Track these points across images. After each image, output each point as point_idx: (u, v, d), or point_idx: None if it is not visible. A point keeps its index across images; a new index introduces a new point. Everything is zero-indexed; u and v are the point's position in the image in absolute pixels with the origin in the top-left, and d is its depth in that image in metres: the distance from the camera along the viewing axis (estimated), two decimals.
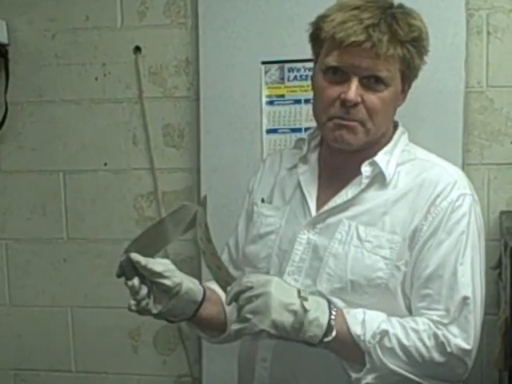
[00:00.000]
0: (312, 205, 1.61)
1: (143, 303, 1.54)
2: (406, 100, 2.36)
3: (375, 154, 1.57)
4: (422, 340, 1.46)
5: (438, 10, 2.28)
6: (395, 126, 1.65)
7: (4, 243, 2.73)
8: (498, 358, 1.99)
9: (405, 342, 1.46)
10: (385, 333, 1.45)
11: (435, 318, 1.48)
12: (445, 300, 1.49)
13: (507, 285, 1.99)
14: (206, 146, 2.47)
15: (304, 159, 1.67)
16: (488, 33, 2.32)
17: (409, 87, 1.60)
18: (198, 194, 2.52)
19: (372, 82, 1.49)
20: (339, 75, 1.50)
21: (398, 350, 1.46)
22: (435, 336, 1.46)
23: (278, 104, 2.42)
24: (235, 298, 1.44)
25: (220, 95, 2.44)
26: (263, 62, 2.41)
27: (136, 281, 1.52)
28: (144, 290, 1.53)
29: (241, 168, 2.38)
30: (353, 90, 1.47)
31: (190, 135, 2.55)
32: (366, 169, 1.56)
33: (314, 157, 1.67)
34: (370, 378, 1.46)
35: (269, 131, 2.43)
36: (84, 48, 2.58)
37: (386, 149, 1.59)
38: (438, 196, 1.52)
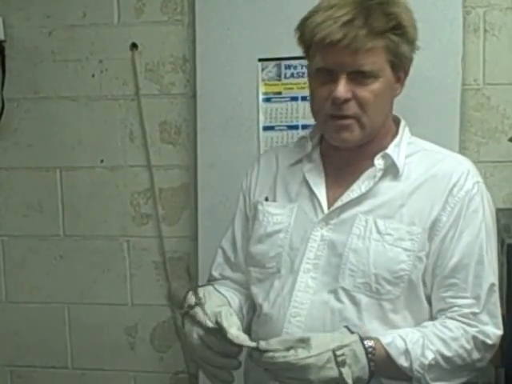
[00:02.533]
0: (323, 201, 1.61)
1: None
2: (403, 97, 2.36)
3: (379, 146, 1.60)
4: (462, 346, 1.52)
5: (434, 8, 2.28)
6: (396, 119, 1.68)
7: (0, 240, 2.73)
8: (495, 355, 1.99)
9: (448, 354, 1.51)
10: (431, 360, 1.48)
11: (466, 310, 1.52)
12: (472, 288, 1.53)
13: (504, 282, 1.99)
14: (203, 143, 2.47)
15: (308, 157, 1.68)
16: (485, 30, 2.32)
17: (405, 75, 1.61)
18: (194, 191, 2.52)
19: (360, 76, 1.51)
20: (328, 74, 1.53)
21: (443, 363, 1.51)
22: (474, 338, 1.53)
23: (275, 101, 2.41)
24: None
25: (217, 92, 2.44)
26: (260, 59, 2.41)
27: None
28: None
29: (237, 165, 2.38)
30: (340, 88, 1.50)
31: (186, 132, 2.54)
32: (379, 162, 1.58)
33: (316, 154, 1.68)
34: None
35: (265, 128, 2.43)
36: (81, 45, 2.57)
37: (395, 141, 1.61)
38: (454, 186, 1.55)
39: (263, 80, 2.41)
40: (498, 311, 1.57)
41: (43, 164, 2.65)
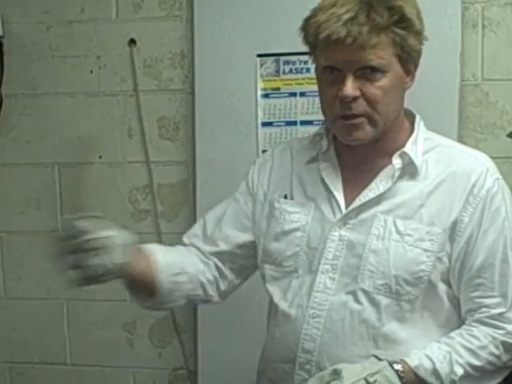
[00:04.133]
0: (341, 201, 1.59)
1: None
2: None
3: (394, 142, 1.58)
4: (492, 353, 1.51)
5: (433, 4, 2.27)
6: (411, 113, 1.65)
7: None
8: None
9: (477, 363, 1.50)
10: (461, 373, 1.48)
11: (493, 311, 1.52)
12: (499, 286, 1.53)
13: None
14: (201, 139, 2.47)
15: (324, 155, 1.65)
16: (483, 26, 2.32)
17: (415, 67, 1.58)
18: (193, 187, 2.52)
19: (368, 72, 1.49)
20: (335, 73, 1.51)
21: (473, 372, 1.50)
22: (503, 343, 1.52)
23: (274, 97, 2.41)
24: None
25: (215, 88, 2.44)
26: (258, 55, 2.40)
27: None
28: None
29: (236, 161, 2.38)
30: (348, 86, 1.48)
31: (185, 128, 2.54)
32: (397, 161, 1.56)
33: (331, 152, 1.66)
34: None
35: (264, 124, 2.43)
36: (79, 40, 2.57)
37: (412, 139, 1.59)
38: (474, 185, 1.53)
39: (261, 76, 2.41)
40: None
41: (41, 160, 2.65)
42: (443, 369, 1.48)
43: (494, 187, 1.55)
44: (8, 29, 2.59)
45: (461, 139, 2.32)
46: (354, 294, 1.54)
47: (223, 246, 1.75)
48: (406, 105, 2.29)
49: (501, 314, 1.52)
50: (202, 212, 2.46)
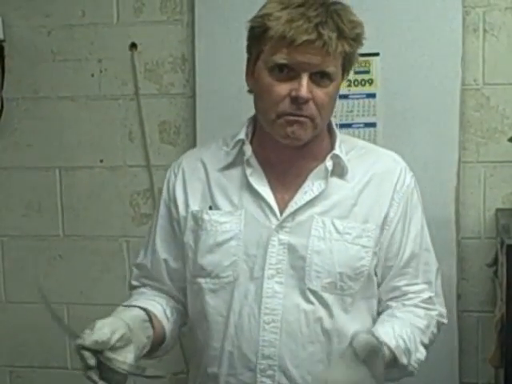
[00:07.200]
0: (274, 205, 1.59)
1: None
2: (403, 97, 2.37)
3: (319, 145, 1.62)
4: (433, 332, 1.66)
5: (434, 8, 2.28)
6: None
7: None
8: (494, 355, 2.00)
9: (426, 342, 1.63)
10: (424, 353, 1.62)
11: (423, 295, 1.65)
12: (423, 274, 1.66)
13: (503, 282, 1.99)
14: (202, 143, 2.46)
15: (247, 161, 1.63)
16: (484, 30, 2.32)
17: (346, 78, 1.63)
18: None
19: (318, 77, 1.51)
20: (286, 72, 1.51)
21: (423, 349, 1.62)
22: (437, 322, 1.67)
23: None
24: None
25: (216, 92, 2.44)
26: None
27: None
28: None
29: None
30: (305, 87, 1.49)
31: (185, 132, 2.54)
32: (329, 163, 1.60)
33: (252, 157, 1.64)
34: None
35: None
36: (80, 44, 2.57)
37: (338, 141, 1.64)
38: (397, 183, 1.64)
39: None
40: (441, 291, 1.71)
41: (42, 164, 2.65)
42: (412, 348, 1.57)
43: (412, 183, 1.66)
44: (9, 32, 2.59)
45: (461, 144, 2.33)
46: (303, 294, 1.57)
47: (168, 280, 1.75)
48: (406, 108, 2.31)
49: (430, 298, 1.66)
50: None
